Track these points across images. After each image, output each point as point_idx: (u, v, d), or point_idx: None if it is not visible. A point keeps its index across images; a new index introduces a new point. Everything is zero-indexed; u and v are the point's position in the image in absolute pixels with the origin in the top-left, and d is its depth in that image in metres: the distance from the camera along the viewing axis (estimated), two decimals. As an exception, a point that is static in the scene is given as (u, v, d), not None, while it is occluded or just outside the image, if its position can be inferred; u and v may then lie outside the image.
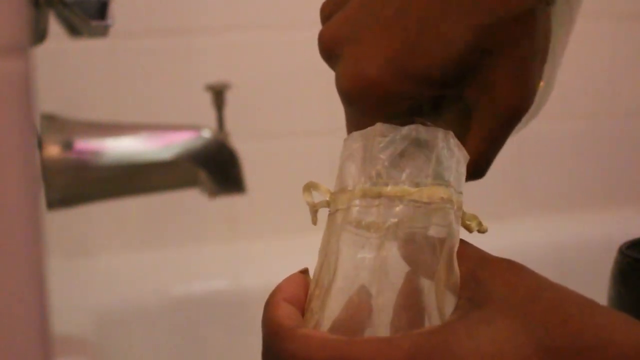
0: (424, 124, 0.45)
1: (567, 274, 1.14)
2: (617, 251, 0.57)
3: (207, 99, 0.94)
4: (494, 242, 1.13)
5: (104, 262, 1.08)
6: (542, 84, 0.47)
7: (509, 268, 0.42)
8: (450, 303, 0.41)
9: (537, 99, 0.47)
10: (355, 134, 0.45)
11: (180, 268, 1.07)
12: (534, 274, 0.41)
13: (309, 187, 0.45)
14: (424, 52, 0.43)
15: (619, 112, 1.28)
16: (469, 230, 0.44)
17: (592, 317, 0.39)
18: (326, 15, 0.47)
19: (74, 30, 0.75)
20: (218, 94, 0.93)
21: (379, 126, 0.44)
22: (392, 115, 0.45)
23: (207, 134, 0.90)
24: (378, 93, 0.44)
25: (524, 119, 0.46)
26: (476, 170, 0.46)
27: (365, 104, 0.45)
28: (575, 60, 1.24)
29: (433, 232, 0.42)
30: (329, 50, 0.46)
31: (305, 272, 0.45)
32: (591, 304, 0.40)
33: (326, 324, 0.42)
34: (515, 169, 1.23)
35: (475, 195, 1.18)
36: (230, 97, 0.94)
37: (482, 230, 0.44)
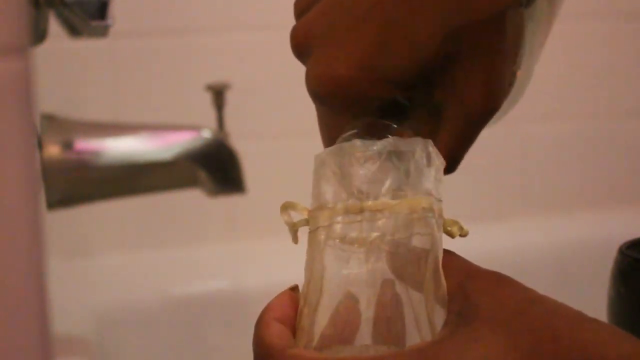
0: (390, 124, 0.45)
1: (567, 274, 1.14)
2: (617, 251, 0.57)
3: (207, 99, 0.94)
4: (494, 242, 1.13)
5: (104, 262, 1.08)
6: (518, 74, 0.47)
7: (497, 281, 0.41)
8: (439, 315, 0.41)
9: (514, 89, 0.47)
10: (330, 149, 0.45)
11: (180, 268, 1.07)
12: (522, 287, 0.41)
13: (287, 207, 0.45)
14: (393, 53, 0.43)
15: (619, 112, 1.28)
16: (451, 236, 0.44)
17: (581, 332, 0.38)
18: (299, 11, 0.47)
19: (74, 30, 0.75)
20: (218, 94, 0.93)
21: (355, 142, 0.44)
22: (362, 114, 0.45)
23: (207, 134, 0.90)
24: (347, 94, 0.44)
25: (500, 111, 0.46)
26: (447, 166, 0.46)
27: (335, 104, 0.45)
28: (575, 61, 1.24)
29: (416, 242, 0.42)
30: (300, 48, 0.46)
31: (294, 289, 0.44)
32: (580, 317, 0.39)
33: (316, 341, 0.42)
34: (515, 169, 1.23)
35: (476, 195, 1.18)
36: (230, 97, 0.94)
37: (463, 234, 0.44)
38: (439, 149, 0.45)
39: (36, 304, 0.29)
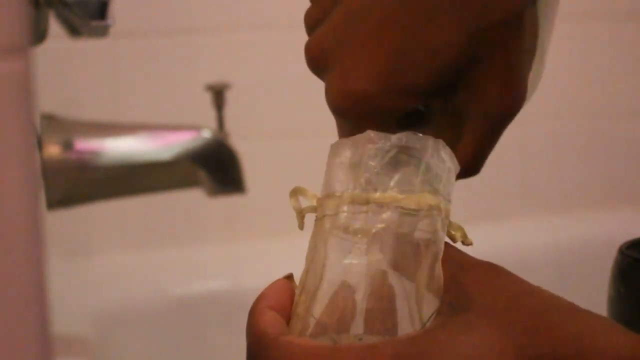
0: (414, 133, 0.45)
1: (567, 274, 1.14)
2: (617, 251, 0.57)
3: (207, 99, 0.94)
4: (494, 242, 1.13)
5: (104, 262, 1.08)
6: (530, 74, 0.47)
7: (491, 272, 0.41)
8: (432, 307, 0.41)
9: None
10: (344, 140, 0.45)
11: (180, 268, 1.07)
12: (516, 278, 0.41)
13: (296, 193, 0.45)
14: (412, 63, 0.43)
15: (619, 112, 1.28)
16: (454, 240, 0.44)
17: (574, 323, 0.39)
18: (311, 25, 0.46)
19: (74, 30, 0.75)
20: (218, 94, 0.93)
21: (369, 133, 0.44)
22: (383, 125, 0.45)
23: (207, 134, 0.90)
24: (368, 108, 0.44)
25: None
26: (471, 168, 0.46)
27: (356, 118, 0.45)
28: (575, 60, 1.24)
29: (419, 237, 0.42)
30: (317, 64, 0.45)
31: (290, 277, 0.44)
32: (574, 309, 0.39)
33: (311, 329, 0.42)
34: (515, 169, 1.23)
35: (475, 195, 1.18)
36: (230, 97, 0.94)
37: (466, 243, 0.44)
38: (462, 152, 0.45)
39: (36, 304, 0.29)
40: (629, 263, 0.56)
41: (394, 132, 0.45)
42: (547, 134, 1.25)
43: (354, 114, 0.45)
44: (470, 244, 0.44)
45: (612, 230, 0.98)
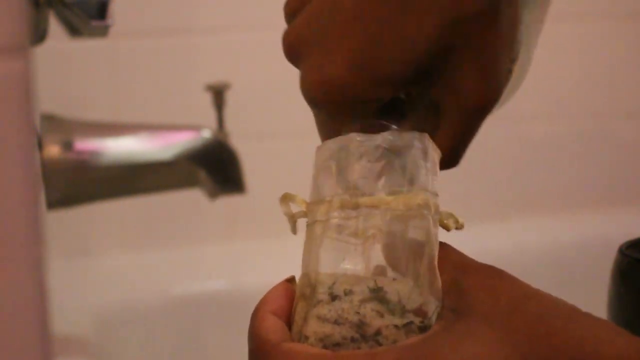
0: (389, 125, 0.45)
1: (567, 274, 1.14)
2: (617, 251, 0.57)
3: (207, 99, 0.94)
4: (494, 242, 1.13)
5: (104, 262, 1.08)
6: (515, 66, 0.47)
7: (491, 275, 0.41)
8: (433, 310, 0.41)
9: (512, 81, 0.47)
10: (328, 143, 0.45)
11: (180, 268, 1.07)
12: (516, 282, 0.41)
13: (286, 199, 0.45)
14: (386, 53, 0.43)
15: (619, 112, 1.28)
16: (447, 229, 0.44)
17: (576, 328, 0.39)
18: (290, 14, 0.46)
19: (74, 30, 0.75)
20: (218, 94, 0.93)
21: (353, 135, 0.44)
22: (360, 116, 0.45)
23: (207, 134, 0.90)
24: (342, 97, 0.44)
25: (500, 100, 0.46)
26: (450, 161, 0.46)
27: (331, 108, 0.45)
28: (575, 60, 1.24)
29: (411, 238, 0.42)
30: (293, 53, 0.46)
31: (291, 280, 0.44)
32: (576, 313, 0.39)
33: (311, 336, 0.42)
34: (515, 169, 1.23)
35: (476, 195, 1.18)
36: (230, 97, 0.94)
37: (459, 227, 0.44)
38: (440, 144, 0.45)
39: (36, 304, 0.29)
40: (629, 263, 0.56)
41: (372, 122, 0.45)
42: (546, 134, 1.25)
43: (328, 104, 0.45)
44: (462, 226, 0.44)
45: (612, 230, 0.98)
